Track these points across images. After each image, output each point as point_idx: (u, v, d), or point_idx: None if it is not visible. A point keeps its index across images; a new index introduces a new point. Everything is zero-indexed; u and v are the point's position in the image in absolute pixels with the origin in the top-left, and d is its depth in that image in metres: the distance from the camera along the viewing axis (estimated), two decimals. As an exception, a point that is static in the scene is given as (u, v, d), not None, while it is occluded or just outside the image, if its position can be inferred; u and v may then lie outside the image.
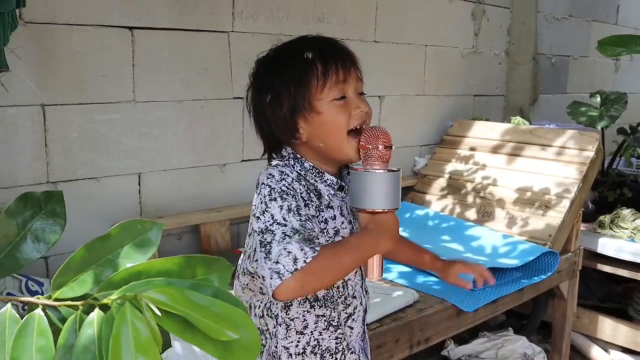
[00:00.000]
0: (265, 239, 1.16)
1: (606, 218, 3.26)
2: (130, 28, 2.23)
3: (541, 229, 2.78)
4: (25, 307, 0.86)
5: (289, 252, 1.11)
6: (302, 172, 1.31)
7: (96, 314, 0.79)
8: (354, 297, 1.39)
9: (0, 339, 0.80)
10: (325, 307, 1.33)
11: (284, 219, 1.16)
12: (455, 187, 3.17)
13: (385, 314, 2.07)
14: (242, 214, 2.57)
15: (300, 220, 1.17)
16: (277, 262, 1.12)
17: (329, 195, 1.32)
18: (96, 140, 2.21)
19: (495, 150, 3.19)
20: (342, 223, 1.33)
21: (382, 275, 1.28)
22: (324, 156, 1.32)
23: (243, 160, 2.65)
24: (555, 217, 2.79)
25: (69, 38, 2.09)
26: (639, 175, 3.51)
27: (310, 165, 1.32)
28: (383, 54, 3.16)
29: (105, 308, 0.79)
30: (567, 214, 2.78)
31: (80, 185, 2.20)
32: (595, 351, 3.21)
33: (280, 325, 1.33)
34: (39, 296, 0.86)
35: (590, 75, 4.73)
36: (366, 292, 1.46)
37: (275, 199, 1.20)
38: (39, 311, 0.82)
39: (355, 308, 1.40)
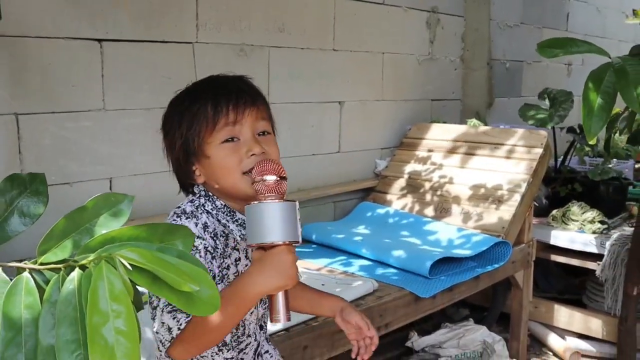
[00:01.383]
0: (152, 302, 1.20)
1: (558, 212, 3.45)
2: (99, 40, 2.35)
3: (494, 222, 2.94)
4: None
5: (163, 323, 1.16)
6: (214, 212, 1.29)
7: (76, 272, 0.91)
8: (248, 336, 1.37)
9: (-8, 298, 0.91)
10: (233, 350, 1.32)
11: None
12: (414, 186, 3.32)
13: (346, 301, 2.20)
14: (210, 215, 2.69)
15: None
16: (157, 332, 1.18)
17: (241, 235, 1.29)
18: (68, 147, 2.32)
19: (451, 150, 3.36)
20: (246, 266, 1.30)
21: (289, 317, 1.17)
22: (226, 195, 1.30)
23: (210, 165, 2.78)
24: (507, 210, 2.96)
25: (40, 50, 2.21)
26: (589, 172, 3.71)
27: (221, 204, 1.30)
28: (342, 62, 3.32)
29: (84, 269, 0.92)
30: (519, 207, 2.96)
31: (54, 191, 2.29)
32: (552, 338, 3.38)
33: None
34: (26, 261, 0.98)
35: (544, 79, 4.95)
36: (260, 327, 1.43)
37: None
38: (26, 274, 0.94)
39: (248, 345, 1.37)
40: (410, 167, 3.42)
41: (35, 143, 2.24)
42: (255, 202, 1.15)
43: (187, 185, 1.35)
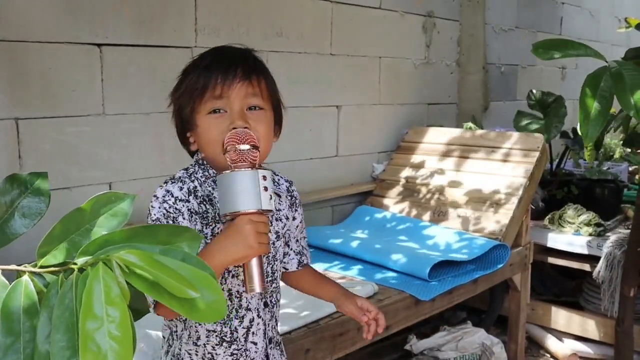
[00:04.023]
0: None
1: (555, 215, 3.47)
2: (99, 45, 2.36)
3: (492, 225, 2.96)
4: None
5: None
6: (204, 180, 1.32)
7: (74, 275, 0.88)
8: (248, 310, 1.35)
9: (-10, 302, 0.89)
10: (215, 323, 1.31)
11: None
12: (411, 190, 3.34)
13: (347, 305, 2.20)
14: (209, 219, 2.70)
15: None
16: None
17: None
18: (68, 152, 2.32)
19: (448, 154, 3.37)
20: None
21: (264, 287, 1.20)
22: (212, 164, 1.32)
23: (209, 169, 2.78)
24: (505, 213, 2.97)
25: (40, 55, 2.21)
26: (586, 171, 3.73)
27: (213, 173, 1.32)
28: (339, 66, 3.34)
29: (83, 271, 0.89)
30: (516, 210, 2.97)
31: (54, 196, 2.27)
32: (550, 340, 3.40)
33: (185, 329, 1.34)
34: (26, 264, 0.95)
35: (538, 83, 4.97)
36: (274, 303, 1.42)
37: (152, 222, 1.27)
38: (25, 277, 0.91)
39: (251, 321, 1.35)
40: (408, 171, 3.43)
41: (35, 148, 2.24)
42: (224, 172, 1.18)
43: (190, 152, 1.39)
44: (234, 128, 1.24)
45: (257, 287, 1.19)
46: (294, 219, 1.46)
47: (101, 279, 0.82)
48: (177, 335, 1.36)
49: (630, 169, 4.36)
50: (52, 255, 0.94)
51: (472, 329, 3.17)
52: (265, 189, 1.17)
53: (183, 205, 1.27)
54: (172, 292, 0.80)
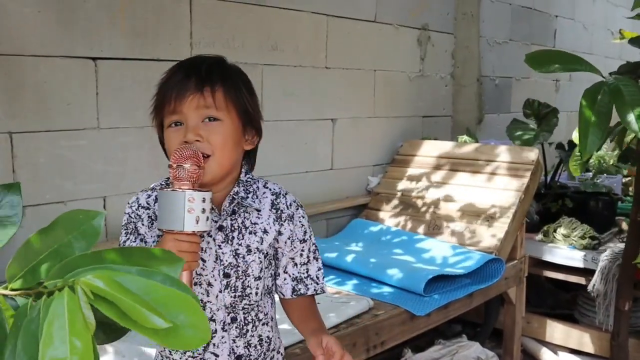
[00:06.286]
0: None
1: (550, 228, 3.47)
2: (94, 59, 2.35)
3: (487, 238, 2.96)
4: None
5: None
6: None
7: (42, 300, 0.84)
8: (212, 321, 1.34)
9: (-43, 326, 0.85)
10: None
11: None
12: (406, 203, 3.33)
13: (341, 321, 2.20)
14: (204, 233, 2.69)
15: None
16: None
17: None
18: (63, 166, 2.31)
19: (443, 167, 3.37)
20: None
21: None
22: None
23: (204, 183, 2.77)
24: (500, 227, 2.97)
25: (35, 69, 2.20)
26: (582, 184, 3.74)
27: None
28: (334, 79, 3.34)
29: (52, 295, 0.86)
30: (511, 223, 2.97)
31: (48, 210, 2.29)
32: (545, 353, 3.39)
33: None
34: None
35: (532, 95, 4.97)
36: (248, 322, 1.38)
37: (121, 228, 1.36)
38: None
39: (213, 332, 1.34)
40: (402, 184, 3.43)
41: (29, 162, 2.23)
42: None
43: None
44: (186, 142, 1.24)
45: None
46: (279, 233, 1.39)
47: (65, 307, 0.76)
48: None
49: (623, 181, 4.37)
50: (22, 278, 0.90)
51: (467, 342, 3.16)
52: (191, 210, 1.15)
53: (144, 212, 1.33)
54: (137, 321, 0.73)
